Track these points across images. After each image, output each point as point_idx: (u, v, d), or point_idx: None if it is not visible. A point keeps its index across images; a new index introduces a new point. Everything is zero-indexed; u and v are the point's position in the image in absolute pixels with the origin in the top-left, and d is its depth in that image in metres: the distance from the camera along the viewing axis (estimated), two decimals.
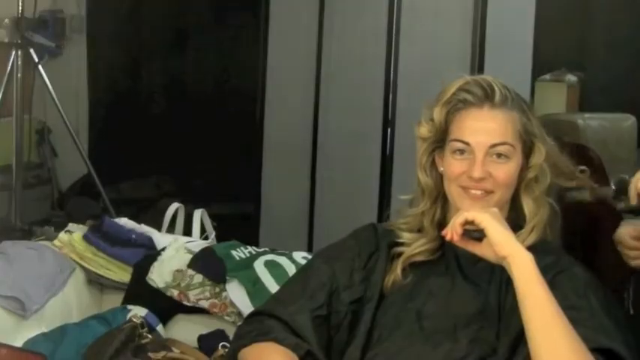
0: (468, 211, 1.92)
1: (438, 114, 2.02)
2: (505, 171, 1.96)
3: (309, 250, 4.19)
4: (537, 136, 2.00)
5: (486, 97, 1.98)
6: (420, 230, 2.07)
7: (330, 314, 2.02)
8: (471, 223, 1.87)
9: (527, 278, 1.81)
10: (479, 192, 1.96)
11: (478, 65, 4.40)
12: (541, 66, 4.94)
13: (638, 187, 1.98)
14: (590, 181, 2.09)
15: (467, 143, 1.96)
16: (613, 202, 2.05)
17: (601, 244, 2.42)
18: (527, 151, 2.00)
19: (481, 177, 1.94)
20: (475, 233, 1.88)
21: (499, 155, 1.96)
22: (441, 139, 2.03)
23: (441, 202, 2.06)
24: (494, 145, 1.95)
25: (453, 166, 1.99)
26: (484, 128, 1.96)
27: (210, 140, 5.58)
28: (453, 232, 1.88)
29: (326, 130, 5.05)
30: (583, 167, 2.11)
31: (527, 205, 2.00)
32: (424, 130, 2.05)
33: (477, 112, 1.97)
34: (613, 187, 2.05)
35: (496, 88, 1.98)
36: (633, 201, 2.00)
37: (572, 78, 5.38)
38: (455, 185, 1.98)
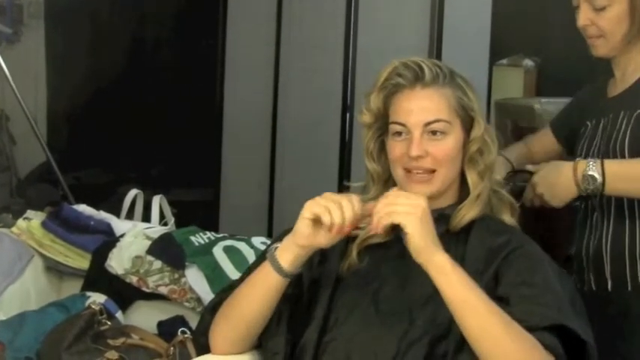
0: (416, 193, 1.95)
1: (374, 100, 2.07)
2: (443, 148, 2.00)
3: (269, 235, 4.19)
4: (476, 110, 2.03)
5: (417, 77, 2.02)
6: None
7: (293, 293, 2.04)
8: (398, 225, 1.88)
9: (446, 283, 1.83)
10: (421, 172, 2.00)
11: (436, 50, 4.42)
12: (499, 51, 4.96)
13: (537, 192, 2.05)
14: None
15: (403, 124, 2.01)
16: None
17: (554, 221, 2.46)
18: (468, 126, 2.04)
19: (418, 155, 1.98)
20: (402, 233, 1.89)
21: (435, 132, 1.99)
22: (384, 124, 2.08)
23: (392, 185, 2.08)
24: (428, 123, 1.99)
25: (394, 148, 2.03)
26: (417, 107, 2.00)
27: (170, 126, 5.56)
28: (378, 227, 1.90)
29: (285, 115, 5.05)
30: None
31: (472, 177, 2.04)
32: (366, 117, 2.11)
33: (410, 93, 2.02)
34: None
35: (425, 68, 2.02)
36: (527, 203, 2.08)
37: (529, 63, 5.40)
38: (399, 168, 2.03)
